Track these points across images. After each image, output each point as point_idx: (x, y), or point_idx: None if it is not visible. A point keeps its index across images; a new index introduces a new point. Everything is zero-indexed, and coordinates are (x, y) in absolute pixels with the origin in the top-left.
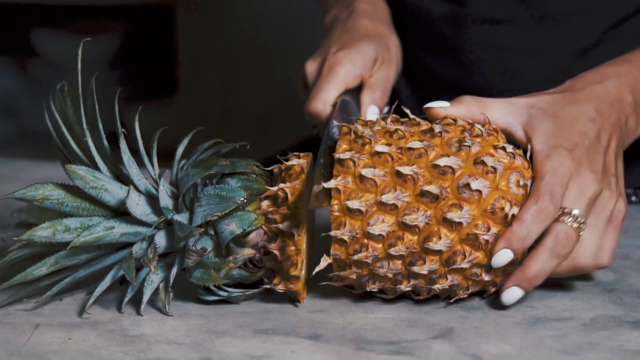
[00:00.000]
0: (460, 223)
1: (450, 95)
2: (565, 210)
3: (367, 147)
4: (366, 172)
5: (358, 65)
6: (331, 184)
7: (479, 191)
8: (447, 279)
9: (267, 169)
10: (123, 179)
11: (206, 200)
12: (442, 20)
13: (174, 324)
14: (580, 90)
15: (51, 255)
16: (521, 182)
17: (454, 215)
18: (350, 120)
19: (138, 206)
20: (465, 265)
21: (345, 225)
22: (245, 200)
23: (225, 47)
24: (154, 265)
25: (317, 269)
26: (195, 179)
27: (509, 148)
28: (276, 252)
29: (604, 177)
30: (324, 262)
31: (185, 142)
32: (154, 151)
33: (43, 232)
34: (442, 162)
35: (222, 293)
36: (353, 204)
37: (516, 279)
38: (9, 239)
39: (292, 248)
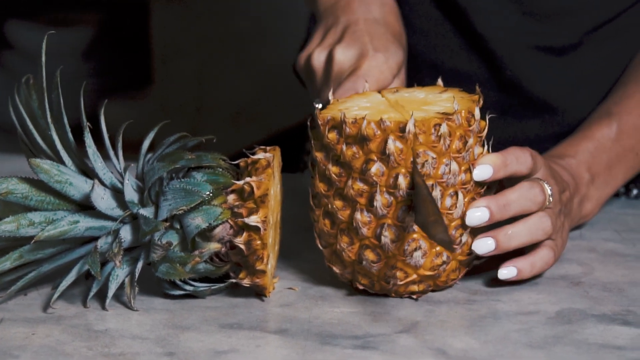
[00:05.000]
0: None
1: (431, 77)
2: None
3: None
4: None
5: (393, 73)
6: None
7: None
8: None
9: (233, 162)
10: (88, 172)
11: (172, 194)
12: (430, 3)
13: (139, 319)
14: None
15: (15, 250)
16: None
17: None
18: None
19: (103, 200)
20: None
21: None
22: (211, 194)
23: (200, 38)
24: (119, 259)
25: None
26: (160, 172)
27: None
28: (242, 246)
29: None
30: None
31: (152, 135)
32: (119, 144)
33: (7, 226)
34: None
35: (187, 287)
36: None
37: (490, 198)
38: None
39: (258, 242)
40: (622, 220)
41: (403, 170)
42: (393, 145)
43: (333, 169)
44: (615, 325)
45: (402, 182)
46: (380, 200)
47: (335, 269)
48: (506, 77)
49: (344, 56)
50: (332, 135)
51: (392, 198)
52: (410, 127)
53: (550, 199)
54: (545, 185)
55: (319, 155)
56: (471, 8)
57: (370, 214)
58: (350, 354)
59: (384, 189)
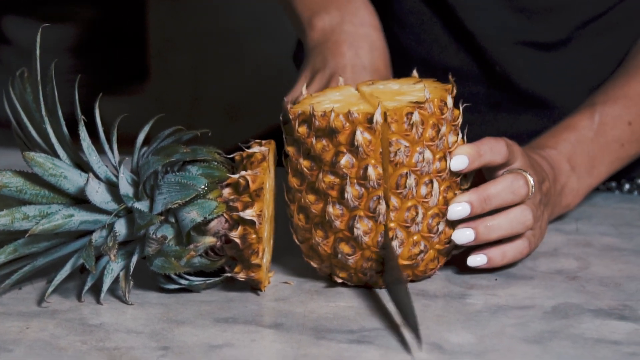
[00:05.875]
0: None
1: (421, 72)
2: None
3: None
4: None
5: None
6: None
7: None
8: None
9: (229, 156)
10: (83, 166)
11: (167, 188)
12: (419, 1)
13: (133, 313)
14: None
15: (10, 244)
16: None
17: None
18: None
19: (98, 194)
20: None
21: None
22: (206, 188)
23: (196, 33)
24: (113, 253)
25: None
26: (155, 166)
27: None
28: (237, 240)
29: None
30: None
31: (147, 129)
32: (114, 138)
33: (1, 220)
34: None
35: (182, 281)
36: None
37: (472, 192)
38: None
39: (254, 236)
40: (618, 214)
41: (372, 161)
42: (361, 136)
43: (304, 163)
44: (612, 320)
45: (372, 173)
46: (350, 192)
47: (314, 264)
48: (496, 72)
49: None
50: (302, 129)
51: (362, 189)
52: (377, 117)
53: (533, 189)
54: (529, 176)
55: (291, 150)
56: (460, 5)
57: (342, 207)
58: (345, 348)
59: (355, 181)
